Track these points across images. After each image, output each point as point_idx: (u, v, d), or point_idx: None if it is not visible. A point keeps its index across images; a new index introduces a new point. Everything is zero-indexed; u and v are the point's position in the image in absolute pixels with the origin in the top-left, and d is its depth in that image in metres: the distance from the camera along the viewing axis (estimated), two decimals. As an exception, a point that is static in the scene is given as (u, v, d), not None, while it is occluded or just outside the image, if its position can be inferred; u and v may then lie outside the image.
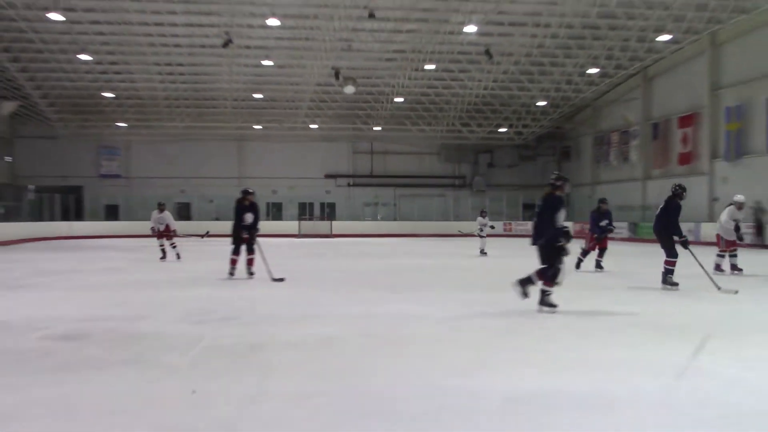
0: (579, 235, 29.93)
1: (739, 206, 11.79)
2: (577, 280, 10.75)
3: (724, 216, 11.86)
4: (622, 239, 26.76)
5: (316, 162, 37.77)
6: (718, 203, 25.11)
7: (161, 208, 15.33)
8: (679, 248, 9.20)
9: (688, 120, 27.34)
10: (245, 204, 11.04)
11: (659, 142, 29.22)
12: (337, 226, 33.50)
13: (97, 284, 10.57)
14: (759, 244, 21.01)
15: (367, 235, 32.69)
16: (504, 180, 38.75)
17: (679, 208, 9.32)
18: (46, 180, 34.16)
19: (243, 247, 11.04)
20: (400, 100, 32.85)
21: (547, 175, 39.85)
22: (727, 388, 4.18)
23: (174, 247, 15.39)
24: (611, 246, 13.52)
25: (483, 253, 18.17)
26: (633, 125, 31.23)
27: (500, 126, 36.36)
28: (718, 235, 11.91)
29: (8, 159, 34.44)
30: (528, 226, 33.97)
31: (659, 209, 9.54)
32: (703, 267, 9.22)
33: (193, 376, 4.49)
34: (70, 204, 32.92)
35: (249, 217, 10.94)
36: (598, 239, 12.62)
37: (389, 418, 3.58)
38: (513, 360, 5.05)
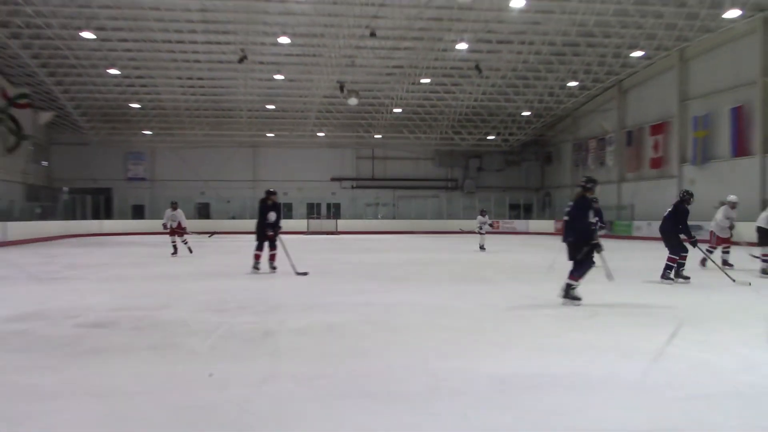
0: (560, 233, 29.61)
1: (733, 205, 11.56)
2: (565, 274, 10.74)
3: (719, 215, 11.61)
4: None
5: (322, 166, 37.74)
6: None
7: (174, 206, 15.09)
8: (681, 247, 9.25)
9: (659, 128, 27.31)
10: (269, 203, 10.75)
11: (633, 148, 29.18)
12: (342, 224, 33.57)
13: (124, 277, 10.56)
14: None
15: (368, 232, 32.70)
16: (492, 182, 38.71)
17: (687, 211, 9.29)
18: (78, 182, 34.20)
19: (266, 244, 10.80)
20: (399, 110, 32.83)
21: (531, 178, 40.29)
22: (694, 371, 4.19)
23: (185, 242, 15.18)
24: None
25: (482, 248, 17.74)
26: (609, 133, 31.19)
27: (489, 134, 36.33)
28: (711, 232, 11.79)
29: (45, 164, 34.45)
30: (514, 224, 34.18)
31: (667, 212, 9.46)
32: (715, 263, 9.30)
33: (211, 359, 4.51)
34: (100, 204, 32.89)
35: (272, 216, 10.71)
36: None
37: (386, 397, 3.59)
38: (499, 344, 5.04)
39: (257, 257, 10.79)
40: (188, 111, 32.96)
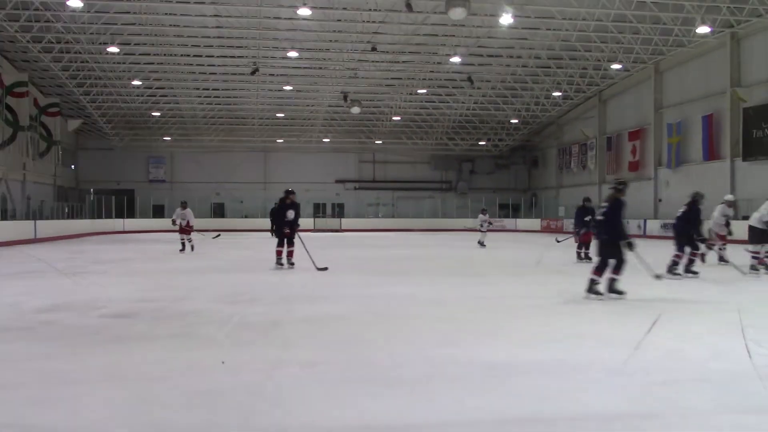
0: (546, 230, 29.86)
1: (729, 204, 11.26)
2: (551, 268, 10.72)
3: (717, 213, 11.25)
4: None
5: (328, 169, 37.69)
6: (662, 203, 25.14)
7: (183, 205, 14.71)
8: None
9: (636, 134, 27.27)
10: (287, 203, 10.29)
11: (612, 153, 29.14)
12: (345, 222, 33.50)
13: (145, 271, 10.53)
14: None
15: (370, 230, 32.61)
16: (483, 184, 38.63)
17: (699, 212, 9.15)
18: (103, 184, 34.20)
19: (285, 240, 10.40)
20: (398, 118, 32.83)
21: (519, 180, 40.25)
22: (669, 358, 4.16)
23: (189, 241, 14.71)
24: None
25: (482, 245, 17.21)
26: (590, 138, 31.14)
27: (480, 140, 36.32)
28: (709, 230, 11.41)
29: (73, 167, 34.44)
30: (503, 222, 34.11)
31: (680, 212, 9.29)
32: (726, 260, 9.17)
33: (226, 346, 4.49)
34: (123, 204, 32.83)
35: (291, 214, 10.27)
36: (578, 234, 11.87)
37: (386, 382, 3.58)
38: (492, 334, 5.02)
39: (278, 254, 10.43)
40: (204, 119, 32.94)
